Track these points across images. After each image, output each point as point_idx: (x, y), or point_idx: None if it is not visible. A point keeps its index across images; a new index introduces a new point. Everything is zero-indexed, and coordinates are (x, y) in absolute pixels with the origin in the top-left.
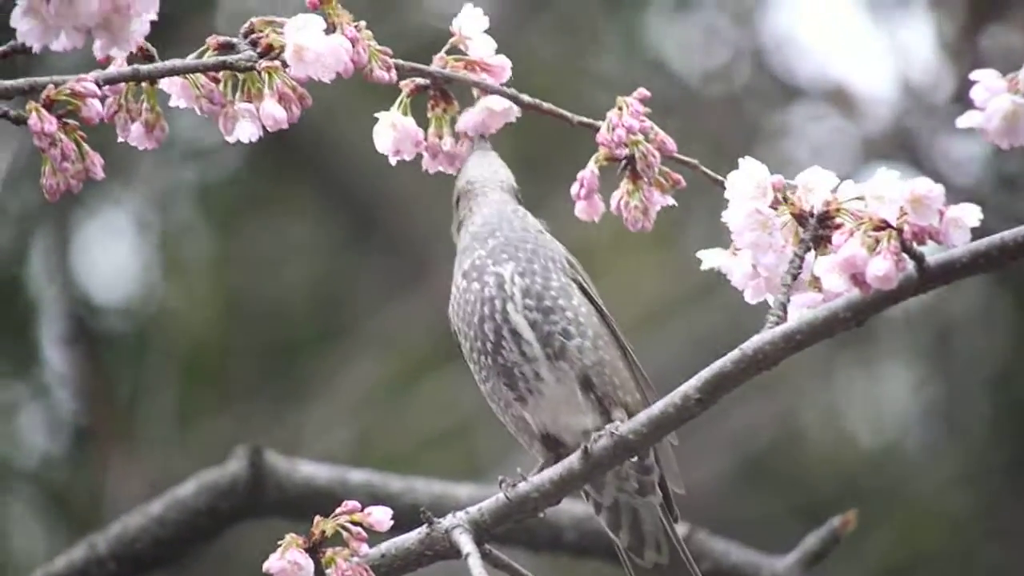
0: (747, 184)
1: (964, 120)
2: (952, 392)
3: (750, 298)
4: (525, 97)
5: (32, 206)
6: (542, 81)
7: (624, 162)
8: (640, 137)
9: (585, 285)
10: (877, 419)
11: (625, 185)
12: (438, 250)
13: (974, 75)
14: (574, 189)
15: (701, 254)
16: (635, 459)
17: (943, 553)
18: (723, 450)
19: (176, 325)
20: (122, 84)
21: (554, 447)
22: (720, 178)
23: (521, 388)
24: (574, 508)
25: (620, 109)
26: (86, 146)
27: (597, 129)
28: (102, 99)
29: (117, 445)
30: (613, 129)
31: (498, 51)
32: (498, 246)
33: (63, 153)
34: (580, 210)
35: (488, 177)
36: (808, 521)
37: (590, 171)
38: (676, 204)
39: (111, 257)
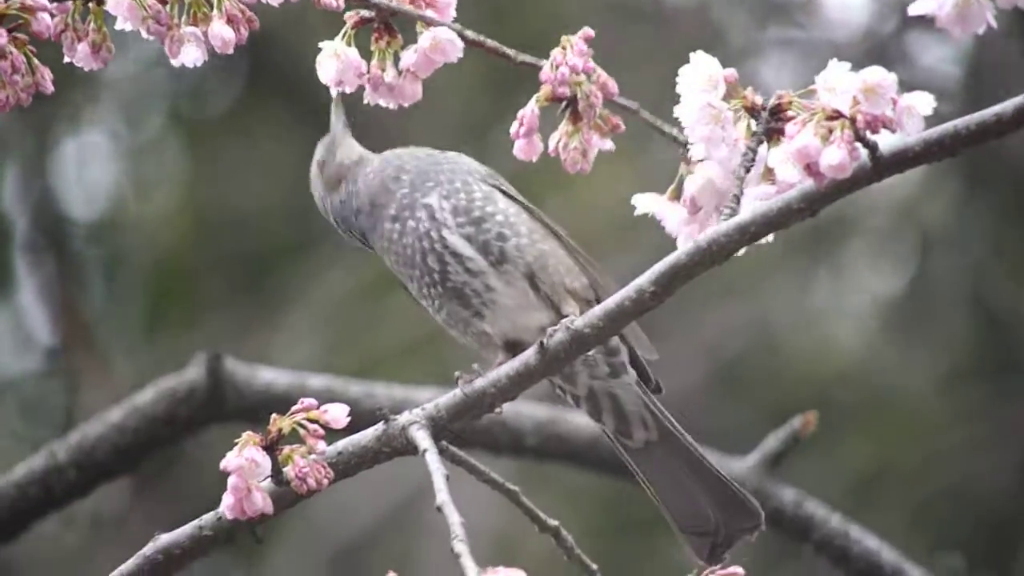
0: (699, 77)
1: (916, 7)
2: (928, 299)
3: (682, 245)
4: (469, 33)
5: (5, 125)
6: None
7: (565, 102)
8: (583, 78)
9: (506, 189)
10: (853, 327)
11: (565, 126)
12: None
13: None
14: (513, 128)
15: (635, 199)
16: (590, 353)
17: (918, 460)
18: (697, 358)
19: (147, 239)
20: (69, 3)
21: (517, 350)
22: (660, 125)
23: (475, 304)
24: (536, 412)
25: (564, 48)
26: (36, 60)
27: (540, 68)
28: (51, 16)
29: (87, 359)
30: (556, 68)
31: None
32: (415, 179)
33: (13, 66)
34: (518, 149)
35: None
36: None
37: (531, 110)
38: (614, 148)
39: (82, 173)
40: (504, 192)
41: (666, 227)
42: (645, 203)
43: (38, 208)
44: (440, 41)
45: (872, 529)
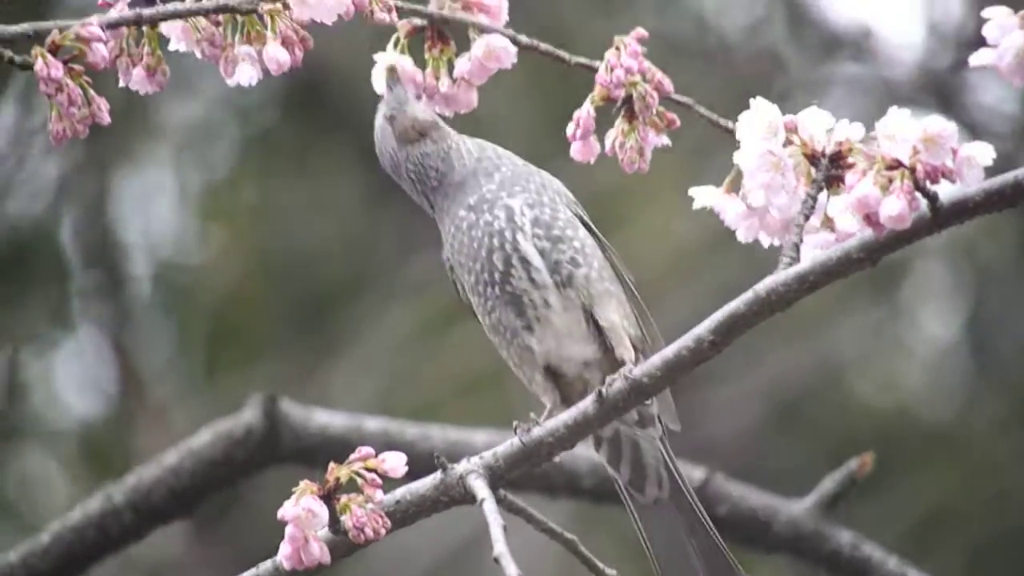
0: (759, 124)
1: (977, 58)
2: (989, 338)
3: (741, 237)
4: (522, 38)
5: (69, 160)
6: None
7: (620, 102)
8: (638, 78)
9: (587, 220)
10: (914, 367)
11: (620, 125)
12: None
13: (986, 12)
14: (569, 129)
15: (693, 191)
16: (650, 411)
17: (979, 502)
18: (756, 398)
19: (207, 280)
20: (123, 28)
21: (553, 379)
22: (717, 118)
23: (529, 316)
24: (592, 453)
25: (618, 49)
26: (92, 91)
27: (595, 70)
28: (104, 43)
29: (146, 403)
30: (611, 70)
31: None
32: (506, 180)
33: (69, 98)
34: (575, 151)
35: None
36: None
37: (586, 111)
38: (670, 144)
39: (144, 214)
40: (585, 224)
41: (725, 220)
42: (703, 196)
43: (99, 250)
44: (494, 48)
45: (931, 572)
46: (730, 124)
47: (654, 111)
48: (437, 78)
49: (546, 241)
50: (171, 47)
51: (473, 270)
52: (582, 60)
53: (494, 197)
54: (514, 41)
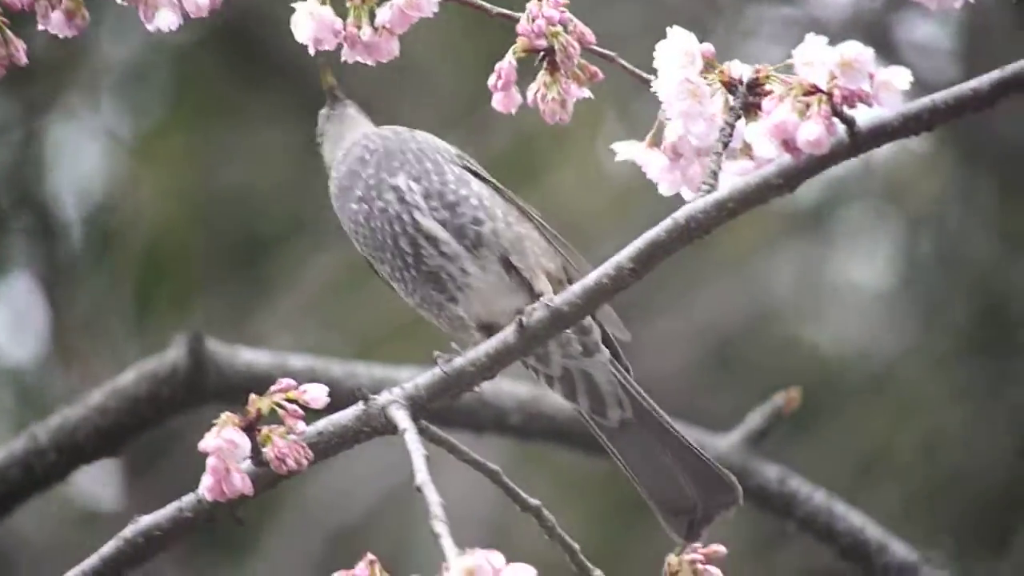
0: (676, 53)
1: None
2: (925, 278)
3: (664, 190)
4: None
5: (3, 106)
6: None
7: (543, 54)
8: (559, 28)
9: (477, 169)
10: (848, 307)
11: (543, 77)
12: None
13: None
14: (491, 80)
15: (616, 146)
16: (566, 331)
17: (916, 442)
18: (689, 337)
19: (141, 223)
20: None
21: (489, 331)
22: (640, 72)
23: (450, 288)
24: (518, 390)
25: (540, 0)
26: (9, 32)
27: (516, 20)
28: None
29: (78, 345)
30: (533, 20)
31: None
32: (381, 160)
33: None
34: (497, 102)
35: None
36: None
37: (508, 63)
38: (592, 96)
39: (74, 157)
40: (475, 173)
41: (647, 174)
42: (625, 150)
43: (28, 193)
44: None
45: (870, 510)
46: (652, 78)
47: (576, 63)
48: (358, 27)
49: (444, 211)
50: None
51: (385, 259)
52: (503, 11)
53: (377, 181)
54: None
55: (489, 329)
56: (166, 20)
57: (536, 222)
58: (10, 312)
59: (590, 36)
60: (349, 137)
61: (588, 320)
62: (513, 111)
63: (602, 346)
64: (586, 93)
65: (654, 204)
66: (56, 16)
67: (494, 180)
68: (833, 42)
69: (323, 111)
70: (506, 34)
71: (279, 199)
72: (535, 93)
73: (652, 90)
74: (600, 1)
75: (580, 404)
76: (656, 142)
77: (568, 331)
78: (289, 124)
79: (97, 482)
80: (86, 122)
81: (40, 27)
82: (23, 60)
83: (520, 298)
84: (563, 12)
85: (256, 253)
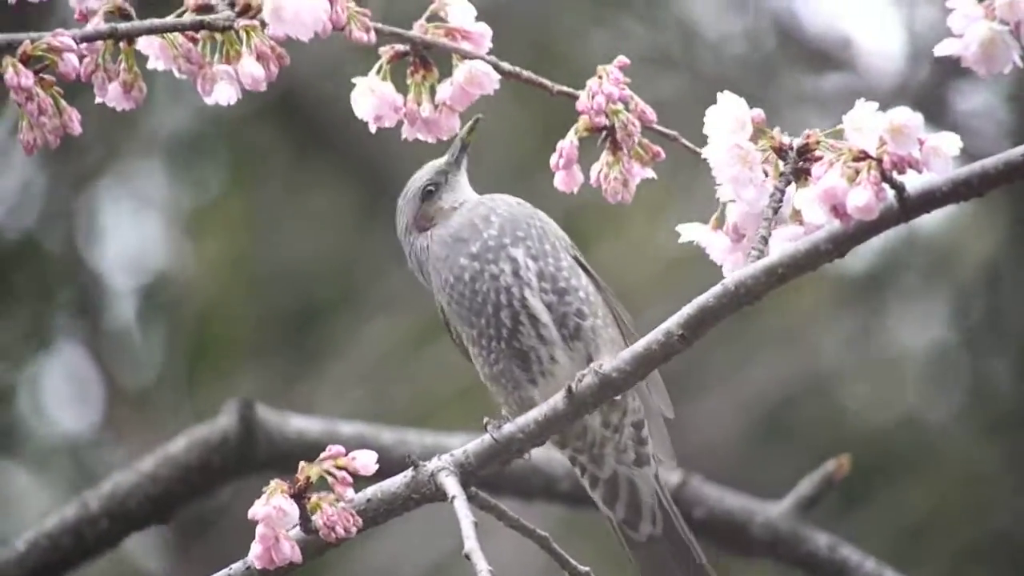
0: (726, 119)
1: (942, 47)
2: (975, 345)
3: (728, 272)
4: (505, 65)
5: (58, 176)
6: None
7: (604, 132)
8: (620, 106)
9: (583, 262)
10: (900, 375)
11: (605, 157)
12: None
13: (951, 2)
14: (553, 160)
15: (680, 228)
16: (617, 398)
17: (964, 508)
18: (742, 406)
19: (193, 292)
20: (100, 43)
21: None
22: (700, 151)
23: (535, 370)
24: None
25: (600, 78)
26: (63, 101)
27: (577, 98)
28: (80, 57)
29: (135, 415)
30: (593, 97)
31: (513, 14)
32: (505, 224)
33: (40, 108)
34: (559, 181)
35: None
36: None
37: (569, 142)
38: (655, 177)
39: (130, 225)
40: (583, 266)
41: (711, 255)
42: (690, 232)
43: (81, 261)
44: (476, 73)
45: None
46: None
47: (636, 140)
48: (419, 103)
49: (552, 295)
50: (149, 65)
51: (477, 324)
52: (564, 88)
53: (497, 245)
54: (496, 68)
55: None
56: (225, 94)
57: (622, 325)
58: (63, 382)
59: (651, 114)
60: (469, 193)
61: (645, 431)
62: (575, 190)
63: (653, 460)
64: (649, 173)
65: (703, 274)
66: (113, 88)
67: (597, 276)
68: (883, 108)
69: (449, 159)
70: (555, 103)
71: (330, 268)
72: (598, 173)
73: (703, 160)
74: (646, 71)
75: (616, 513)
76: (719, 224)
77: (629, 439)
78: (340, 194)
79: (145, 548)
80: (138, 191)
81: (97, 99)
82: (77, 130)
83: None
84: (623, 89)
85: (307, 321)
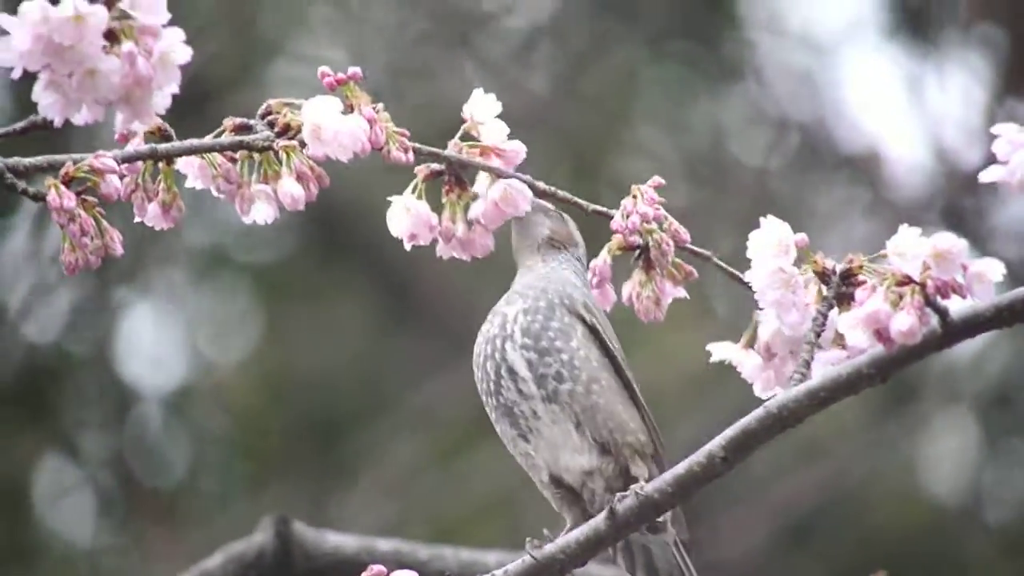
0: (769, 243)
1: (987, 174)
2: (1001, 453)
3: (759, 392)
4: (540, 184)
5: (79, 289)
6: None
7: (638, 251)
8: (654, 226)
9: (598, 327)
10: (926, 483)
11: (638, 275)
12: (476, 324)
13: (995, 129)
14: (586, 278)
15: (711, 347)
16: (660, 520)
17: None
18: (769, 516)
19: (217, 403)
20: (139, 163)
21: (564, 488)
22: (734, 271)
23: (522, 426)
24: (604, 573)
25: (635, 197)
26: (105, 222)
27: (611, 217)
28: (120, 177)
29: (161, 526)
30: (627, 216)
31: (532, 122)
32: (516, 290)
33: (82, 229)
34: None
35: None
36: None
37: (603, 260)
38: (688, 297)
39: (154, 338)
40: (592, 327)
41: (742, 373)
42: (721, 351)
43: (106, 374)
44: (510, 192)
45: None
46: (747, 278)
47: (670, 260)
48: (454, 222)
49: (533, 352)
50: (187, 184)
51: (479, 377)
52: (599, 208)
53: (497, 307)
54: (531, 187)
55: (558, 483)
56: (263, 213)
57: (635, 396)
58: (90, 493)
59: (685, 234)
60: (527, 263)
61: None
62: (608, 308)
63: (670, 526)
64: (681, 292)
65: (726, 386)
66: (152, 209)
67: (613, 344)
68: (912, 223)
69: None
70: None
71: (356, 379)
72: (630, 292)
73: (744, 282)
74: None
75: None
76: (750, 343)
77: None
78: (366, 304)
79: None
80: (164, 301)
81: (137, 219)
82: (119, 251)
83: (586, 460)
84: (658, 209)
85: (334, 433)
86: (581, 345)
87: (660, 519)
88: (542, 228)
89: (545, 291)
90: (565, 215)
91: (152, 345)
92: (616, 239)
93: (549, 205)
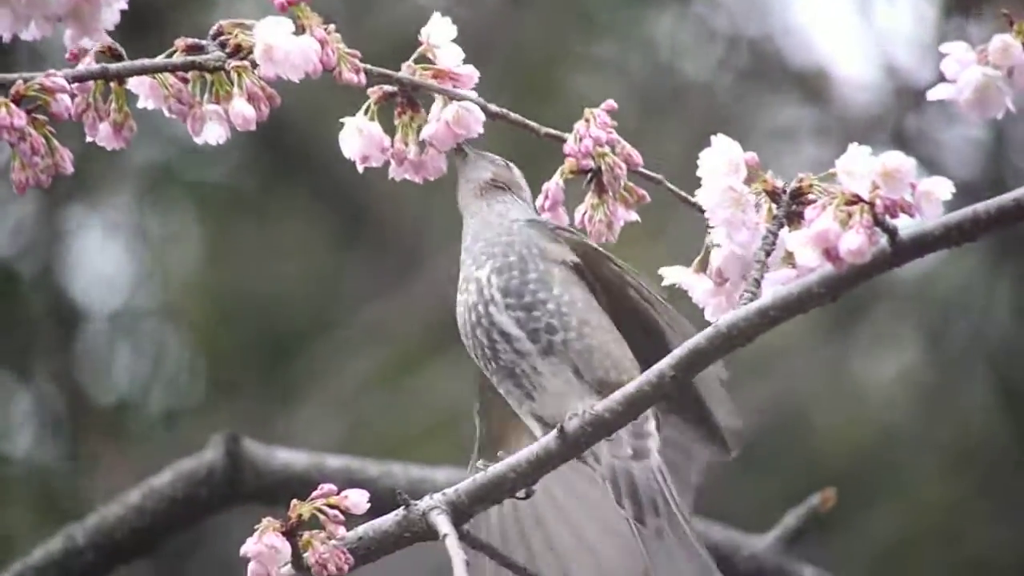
0: (720, 161)
1: (935, 92)
2: (948, 372)
3: (710, 315)
4: (492, 107)
5: (25, 209)
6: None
7: (590, 175)
8: (607, 149)
9: (572, 262)
10: (874, 402)
11: (590, 199)
12: (427, 244)
13: (944, 48)
14: (539, 200)
15: (663, 271)
16: (611, 439)
17: (940, 535)
18: None
19: (165, 321)
20: (90, 83)
21: None
22: (685, 195)
23: (526, 385)
24: None
25: (587, 121)
26: (55, 141)
27: (564, 140)
28: (71, 96)
29: (107, 444)
30: (580, 140)
31: (486, 39)
32: (479, 249)
33: (32, 147)
34: None
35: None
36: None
37: (555, 183)
38: (640, 220)
39: (101, 256)
40: (570, 264)
41: (693, 298)
42: (673, 275)
43: (54, 292)
44: (462, 114)
45: None
46: (694, 198)
47: (622, 184)
48: (406, 144)
49: (520, 311)
50: (139, 104)
51: (471, 347)
52: (551, 131)
53: (468, 273)
54: (484, 109)
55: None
56: (214, 133)
57: (642, 291)
58: (38, 411)
59: (637, 158)
60: (473, 208)
61: (650, 426)
62: None
63: (655, 454)
64: (633, 216)
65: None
66: (104, 128)
67: (618, 261)
68: (860, 142)
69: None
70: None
71: (306, 298)
72: (583, 215)
73: (695, 205)
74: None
75: (625, 509)
76: (702, 267)
77: (624, 433)
78: (316, 222)
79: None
80: (111, 219)
81: (88, 139)
82: (69, 169)
83: (589, 403)
84: (610, 133)
85: (285, 351)
86: (563, 290)
87: (646, 443)
88: (484, 172)
89: (511, 244)
90: (511, 164)
91: (101, 264)
92: (569, 162)
93: (496, 157)
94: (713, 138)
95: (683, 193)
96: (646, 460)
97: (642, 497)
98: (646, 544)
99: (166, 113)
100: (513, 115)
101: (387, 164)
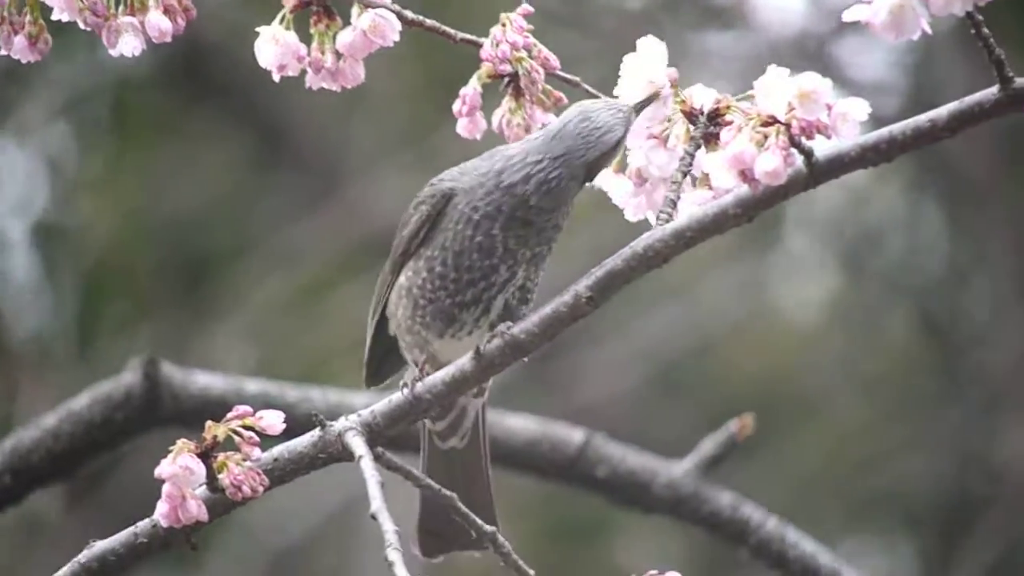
0: (640, 81)
1: (850, 14)
2: (869, 298)
3: (630, 216)
4: (408, 13)
5: None
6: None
7: (507, 79)
8: (524, 54)
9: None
10: (792, 327)
11: (508, 103)
12: (345, 167)
13: None
14: (456, 106)
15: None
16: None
17: (856, 461)
18: (635, 361)
19: (82, 243)
20: None
21: None
22: (601, 95)
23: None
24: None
25: (504, 25)
26: None
27: (480, 46)
28: None
29: (27, 367)
30: (497, 45)
31: None
32: (537, 237)
33: None
34: (461, 127)
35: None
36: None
37: (472, 88)
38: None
39: (14, 174)
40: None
41: (613, 199)
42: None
43: None
44: (378, 21)
45: (812, 529)
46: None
47: (540, 87)
48: (323, 53)
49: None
50: (54, 16)
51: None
52: (468, 36)
53: (520, 258)
54: (399, 16)
55: None
56: (130, 45)
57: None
58: None
59: (554, 61)
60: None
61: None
62: (478, 137)
63: (487, 393)
64: (551, 118)
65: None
66: (19, 41)
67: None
68: (779, 65)
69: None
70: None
71: (224, 218)
72: (500, 119)
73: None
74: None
75: (436, 426)
76: (621, 168)
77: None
78: (235, 144)
79: (49, 504)
80: (29, 143)
81: (3, 52)
82: None
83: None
84: (527, 37)
85: (202, 273)
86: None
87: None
88: None
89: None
90: None
91: (13, 184)
92: (485, 67)
93: None
94: (639, 41)
95: (600, 94)
96: (481, 398)
97: (462, 426)
98: (431, 453)
99: (81, 25)
100: (429, 21)
101: (304, 75)
